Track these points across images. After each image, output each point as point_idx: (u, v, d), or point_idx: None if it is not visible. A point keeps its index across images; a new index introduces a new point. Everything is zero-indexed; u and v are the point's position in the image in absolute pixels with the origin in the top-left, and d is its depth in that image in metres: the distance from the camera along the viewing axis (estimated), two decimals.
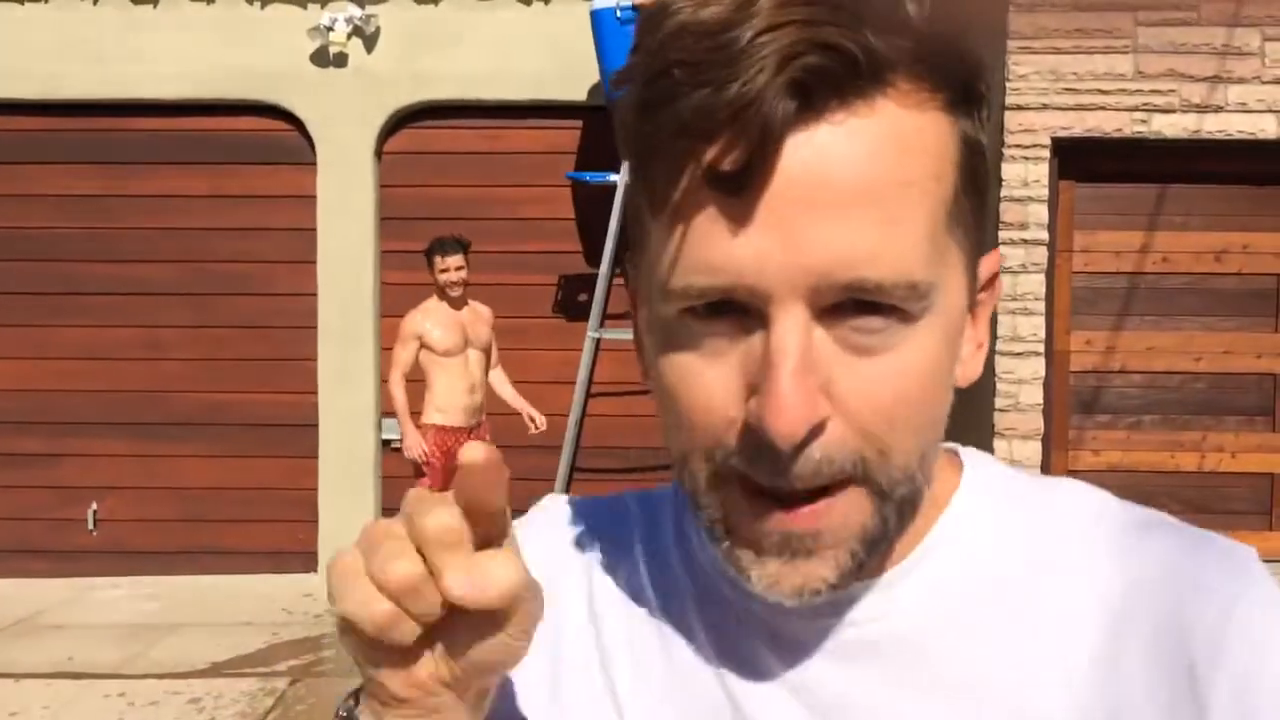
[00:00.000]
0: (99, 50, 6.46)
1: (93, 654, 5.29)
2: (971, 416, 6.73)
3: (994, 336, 6.36)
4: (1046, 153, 6.29)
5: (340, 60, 6.44)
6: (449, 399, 5.38)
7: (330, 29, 6.32)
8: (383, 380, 6.06)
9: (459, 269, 5.41)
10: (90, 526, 6.66)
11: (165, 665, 5.14)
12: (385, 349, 6.12)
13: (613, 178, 5.87)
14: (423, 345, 5.36)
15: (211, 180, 6.60)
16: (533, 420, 5.68)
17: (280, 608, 5.99)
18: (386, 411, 6.15)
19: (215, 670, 5.08)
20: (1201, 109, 6.21)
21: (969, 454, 0.72)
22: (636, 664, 0.69)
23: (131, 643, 5.45)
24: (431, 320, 5.39)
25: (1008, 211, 6.32)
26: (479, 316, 5.58)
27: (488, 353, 5.62)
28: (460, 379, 5.40)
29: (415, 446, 5.31)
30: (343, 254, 6.49)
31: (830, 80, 0.54)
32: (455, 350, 5.40)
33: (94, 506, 6.66)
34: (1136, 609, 0.63)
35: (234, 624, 5.73)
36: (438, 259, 5.40)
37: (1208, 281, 6.51)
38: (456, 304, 5.49)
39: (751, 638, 0.67)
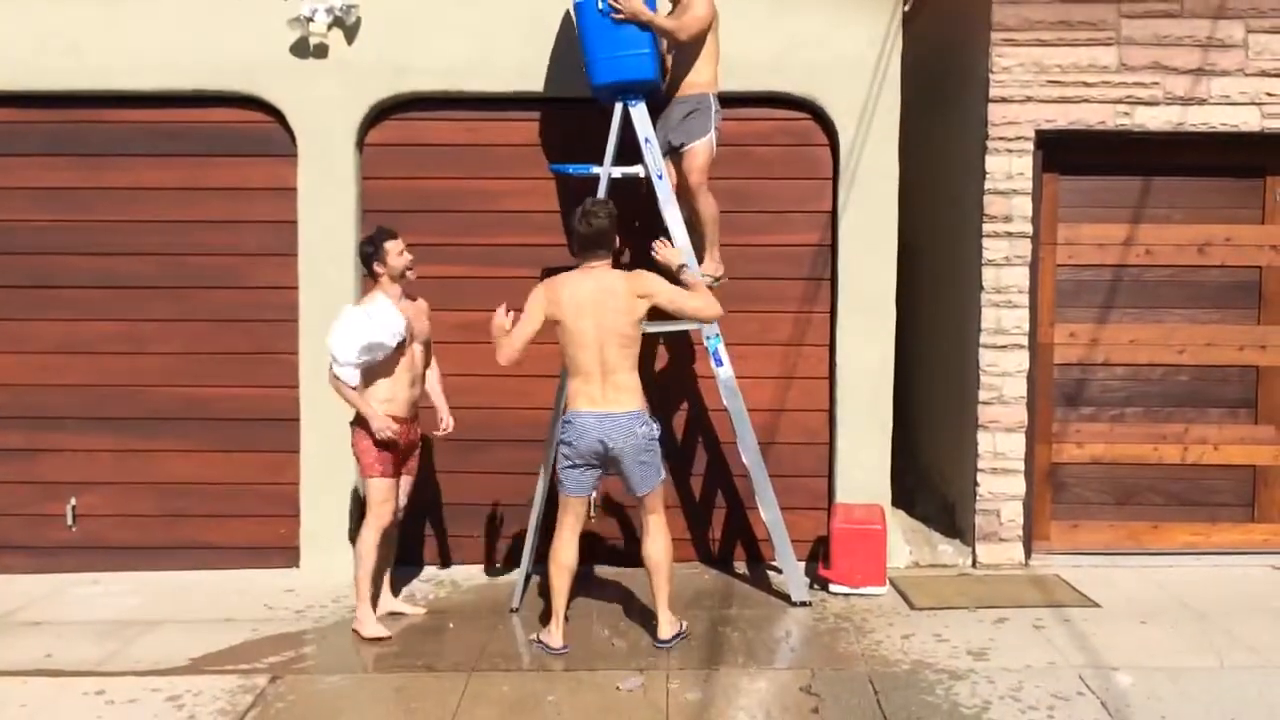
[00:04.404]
0: (76, 41, 6.39)
1: (71, 651, 5.24)
2: (955, 409, 6.72)
3: (978, 329, 6.36)
4: (1030, 145, 6.29)
5: (321, 51, 6.39)
6: (393, 390, 5.37)
7: (310, 19, 6.28)
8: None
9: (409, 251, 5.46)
10: (69, 522, 6.60)
11: (145, 662, 5.09)
12: None
13: (595, 170, 5.83)
14: None
15: (191, 172, 6.54)
16: (442, 421, 5.64)
17: (261, 604, 5.95)
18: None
19: (195, 667, 5.03)
20: (1185, 101, 6.22)
21: None
22: None
23: (110, 640, 5.40)
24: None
25: (991, 204, 6.32)
26: (420, 310, 5.57)
27: (428, 346, 5.60)
28: (405, 371, 5.40)
29: (387, 427, 5.25)
30: (324, 247, 6.44)
31: None
32: (403, 344, 5.37)
33: (73, 502, 6.60)
34: None
35: (214, 620, 5.68)
36: (390, 244, 5.38)
37: (1191, 274, 6.54)
38: (409, 294, 5.49)
39: None
